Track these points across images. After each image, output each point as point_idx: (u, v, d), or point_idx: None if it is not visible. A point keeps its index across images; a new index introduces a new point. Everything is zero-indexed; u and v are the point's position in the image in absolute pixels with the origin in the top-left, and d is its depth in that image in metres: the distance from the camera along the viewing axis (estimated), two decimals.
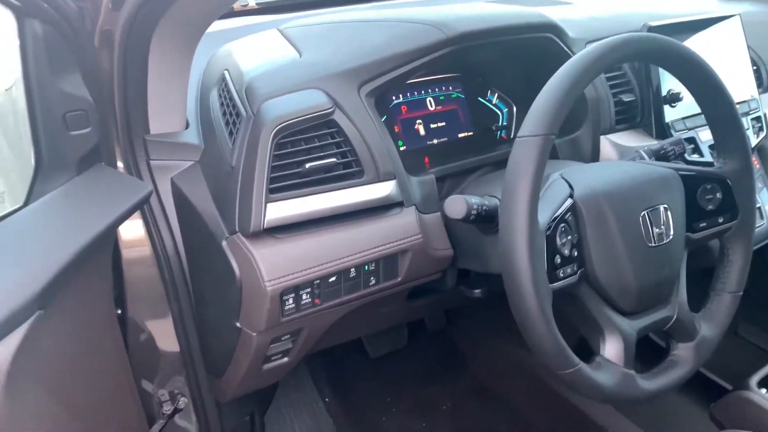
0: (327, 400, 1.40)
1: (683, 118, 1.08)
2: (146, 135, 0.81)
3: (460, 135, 1.02)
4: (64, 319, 0.62)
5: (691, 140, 1.05)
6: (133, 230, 0.83)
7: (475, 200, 0.73)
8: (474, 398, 1.49)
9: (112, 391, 0.77)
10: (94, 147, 0.70)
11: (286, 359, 0.89)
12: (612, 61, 0.71)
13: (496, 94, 1.06)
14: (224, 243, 0.76)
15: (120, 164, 0.79)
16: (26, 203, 0.68)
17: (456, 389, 1.51)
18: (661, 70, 1.06)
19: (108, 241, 0.72)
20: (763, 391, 1.01)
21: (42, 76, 0.63)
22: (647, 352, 0.84)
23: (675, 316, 0.78)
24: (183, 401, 0.98)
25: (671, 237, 0.76)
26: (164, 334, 0.92)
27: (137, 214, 0.83)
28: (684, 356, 0.80)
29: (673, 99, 1.06)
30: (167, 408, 0.97)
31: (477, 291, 0.93)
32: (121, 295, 0.85)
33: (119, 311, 0.86)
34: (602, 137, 1.02)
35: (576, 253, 0.71)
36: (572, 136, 1.01)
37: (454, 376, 1.54)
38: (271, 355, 0.86)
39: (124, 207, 0.68)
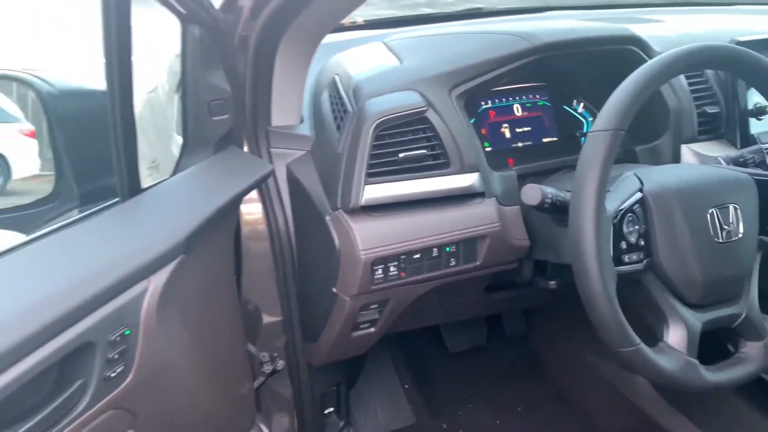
0: (407, 387, 1.49)
1: None
2: (269, 126, 0.95)
3: (545, 140, 1.10)
4: (198, 267, 0.76)
5: None
6: (252, 209, 0.98)
7: (550, 190, 0.81)
8: (549, 402, 1.53)
9: (227, 341, 0.91)
10: (229, 131, 0.85)
11: (372, 329, 1.00)
12: (683, 68, 0.77)
13: (582, 103, 1.13)
14: (327, 218, 0.88)
15: (245, 149, 0.94)
16: (173, 173, 0.83)
17: (531, 392, 1.55)
18: (747, 84, 1.09)
19: (234, 207, 0.86)
20: None
21: (195, 70, 0.79)
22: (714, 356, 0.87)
23: (744, 314, 0.82)
24: (281, 363, 1.11)
25: (740, 236, 0.80)
26: (269, 302, 1.05)
27: (256, 195, 0.97)
28: (752, 354, 0.83)
29: (760, 112, 1.09)
30: (267, 368, 1.11)
31: (552, 282, 1.00)
32: (238, 264, 1.00)
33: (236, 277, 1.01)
34: (684, 146, 1.06)
35: (643, 243, 0.77)
36: (653, 144, 1.06)
37: (530, 379, 1.58)
38: (360, 323, 0.97)
39: (250, 181, 0.82)
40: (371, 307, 0.94)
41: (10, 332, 0.52)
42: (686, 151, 1.06)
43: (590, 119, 1.14)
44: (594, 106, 1.14)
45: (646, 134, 1.07)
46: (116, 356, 0.63)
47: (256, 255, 1.01)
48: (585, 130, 1.13)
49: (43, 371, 0.56)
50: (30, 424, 0.56)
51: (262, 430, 1.06)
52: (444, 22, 1.41)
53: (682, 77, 1.07)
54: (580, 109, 1.13)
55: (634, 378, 1.41)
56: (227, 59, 0.82)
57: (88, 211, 0.72)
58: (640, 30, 1.11)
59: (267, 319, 1.08)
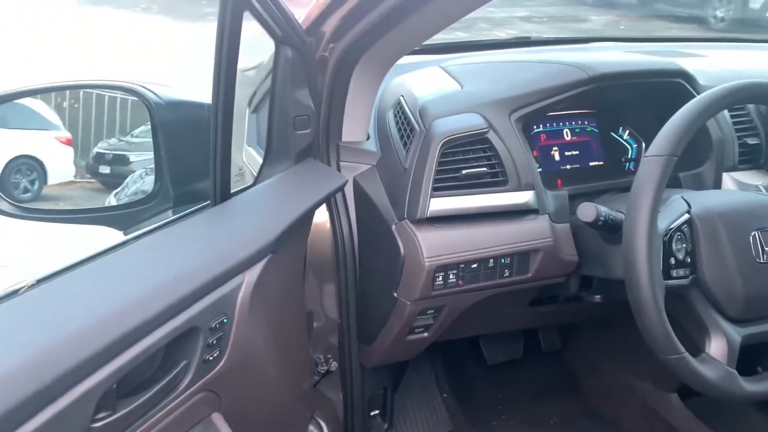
0: (445, 395, 1.55)
1: None
2: (339, 141, 1.04)
3: (591, 163, 1.17)
4: (280, 266, 0.84)
5: None
6: (318, 215, 1.06)
7: (603, 209, 0.87)
8: (582, 418, 1.57)
9: (296, 338, 0.98)
10: (309, 144, 0.94)
11: (425, 334, 1.06)
12: (733, 101, 0.84)
13: (628, 131, 1.19)
14: (394, 227, 0.96)
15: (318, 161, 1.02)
16: (255, 182, 0.92)
17: (565, 407, 1.59)
18: None
19: (312, 215, 0.94)
20: None
21: (284, 87, 0.87)
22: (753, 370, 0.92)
23: None
24: (334, 365, 1.18)
25: None
26: (326, 305, 1.13)
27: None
28: None
29: None
30: (321, 369, 1.17)
31: (597, 297, 1.06)
32: (303, 267, 1.07)
33: None
34: (725, 174, 1.11)
35: (689, 260, 0.83)
36: (696, 171, 1.12)
37: (564, 394, 1.63)
38: (415, 327, 1.04)
39: (328, 190, 0.90)
40: (428, 312, 1.01)
41: (135, 314, 0.60)
42: (727, 178, 1.11)
43: (635, 146, 1.20)
44: (639, 134, 1.20)
45: (689, 162, 1.13)
46: (214, 341, 0.71)
47: (319, 259, 1.09)
48: (630, 156, 1.19)
49: (156, 351, 0.63)
50: (144, 398, 0.64)
51: (320, 425, 1.12)
52: (495, 50, 1.50)
53: (726, 112, 1.13)
54: (626, 136, 1.20)
55: (667, 396, 1.46)
56: (311, 78, 0.91)
57: (184, 212, 0.80)
58: (685, 63, 1.18)
59: (323, 321, 1.15)
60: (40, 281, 0.60)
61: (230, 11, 0.70)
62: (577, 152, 1.16)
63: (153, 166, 0.86)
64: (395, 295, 0.99)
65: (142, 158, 0.94)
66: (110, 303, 0.60)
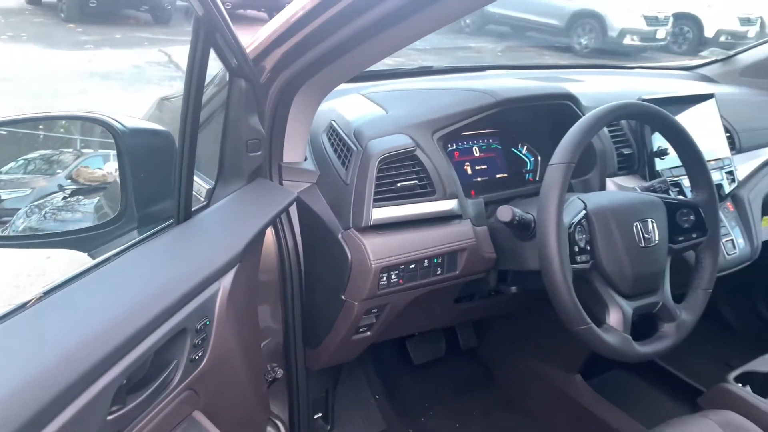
0: (377, 396, 1.66)
1: (670, 168, 1.40)
2: (281, 162, 1.13)
3: (498, 175, 1.35)
4: (245, 275, 0.92)
5: (677, 185, 1.37)
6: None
7: (518, 211, 1.04)
8: (500, 408, 1.75)
9: (256, 341, 1.05)
10: (259, 165, 1.03)
11: (368, 333, 1.18)
12: (613, 118, 1.04)
13: (526, 147, 1.39)
14: (340, 236, 1.07)
15: None
16: (209, 201, 0.99)
17: (484, 399, 1.76)
18: (651, 131, 1.40)
19: (265, 230, 1.03)
20: (739, 384, 1.28)
21: (238, 113, 0.96)
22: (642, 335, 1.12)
23: (661, 303, 1.08)
24: (280, 372, 1.26)
25: (656, 242, 1.06)
26: (272, 314, 1.21)
27: None
28: (668, 332, 1.09)
29: (662, 153, 1.39)
30: (269, 376, 1.25)
31: (513, 288, 1.23)
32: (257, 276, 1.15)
33: None
34: (608, 179, 1.33)
35: (589, 248, 1.01)
36: (585, 177, 1.33)
37: (483, 387, 1.80)
38: (360, 327, 1.15)
39: (281, 206, 1.00)
40: (372, 311, 1.13)
41: (137, 319, 0.67)
42: (609, 183, 1.33)
43: (532, 159, 1.40)
44: (536, 149, 1.40)
45: (579, 170, 1.34)
46: (199, 342, 0.78)
47: (266, 269, 1.17)
48: (528, 168, 1.39)
49: (150, 354, 0.70)
50: (146, 394, 0.70)
51: (277, 425, 1.19)
52: (401, 78, 1.66)
53: (605, 128, 1.36)
54: (525, 151, 1.39)
55: (572, 378, 1.66)
56: (260, 105, 1.00)
57: (152, 231, 0.87)
58: (567, 87, 1.40)
59: (268, 330, 1.23)
60: (47, 293, 0.65)
61: (200, 47, 0.79)
62: (485, 166, 1.34)
63: (43, 201, 0.90)
64: (343, 297, 1.09)
65: (13, 196, 0.96)
66: (113, 310, 0.67)
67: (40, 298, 0.65)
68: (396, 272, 1.08)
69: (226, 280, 0.83)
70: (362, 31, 0.88)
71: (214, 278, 0.81)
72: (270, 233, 1.15)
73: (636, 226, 1.05)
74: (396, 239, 1.07)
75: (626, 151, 1.37)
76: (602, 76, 1.87)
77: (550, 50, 9.29)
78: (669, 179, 1.37)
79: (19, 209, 0.95)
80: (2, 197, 0.96)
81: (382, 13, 0.84)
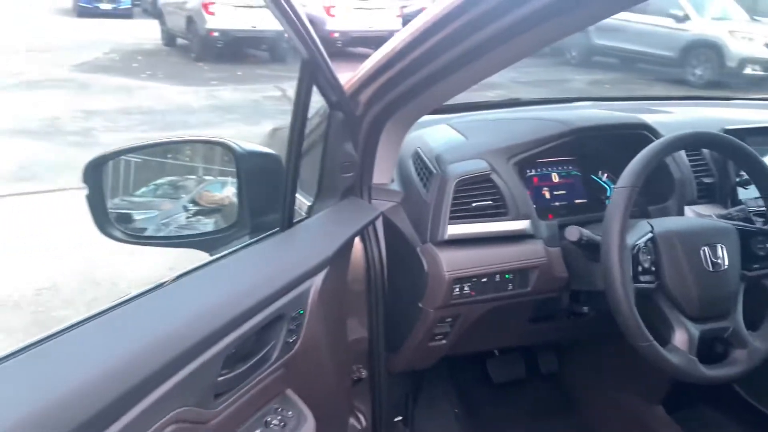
0: (456, 411, 1.75)
1: (755, 198, 1.40)
2: (371, 183, 1.28)
3: (576, 201, 1.42)
4: (334, 278, 1.07)
5: (763, 214, 1.37)
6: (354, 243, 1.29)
7: (586, 231, 1.12)
8: None
9: (341, 341, 1.19)
10: (351, 185, 1.18)
11: (444, 341, 1.28)
12: (680, 147, 1.10)
13: (606, 174, 1.45)
14: (418, 249, 1.19)
15: None
16: (308, 215, 1.16)
17: (563, 424, 1.79)
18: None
19: (353, 240, 1.17)
20: None
21: (336, 140, 1.12)
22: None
23: (732, 328, 1.10)
24: (364, 372, 1.39)
25: (726, 267, 1.09)
26: (359, 319, 1.34)
27: None
28: (740, 358, 1.10)
29: (746, 183, 1.40)
30: (354, 376, 1.38)
31: (585, 308, 1.29)
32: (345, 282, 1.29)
33: None
34: (686, 207, 1.37)
35: (654, 269, 1.07)
36: (662, 205, 1.37)
37: (562, 412, 1.83)
38: (436, 334, 1.26)
39: (366, 220, 1.14)
40: (446, 320, 1.24)
41: (246, 300, 0.83)
42: (688, 211, 1.36)
43: (612, 186, 1.46)
44: (615, 176, 1.45)
45: (657, 198, 1.38)
46: (294, 327, 0.93)
47: (354, 278, 1.31)
48: (608, 195, 1.45)
49: (255, 331, 0.86)
50: (249, 363, 0.86)
51: (359, 418, 1.32)
52: (490, 110, 1.77)
53: (683, 155, 1.39)
54: (605, 178, 1.45)
55: (654, 408, 1.66)
56: (354, 134, 1.16)
57: (261, 236, 1.04)
58: (652, 118, 1.45)
59: (354, 334, 1.37)
60: (178, 277, 0.83)
61: (305, 84, 0.96)
62: (564, 192, 1.42)
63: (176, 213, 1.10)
64: (420, 305, 1.21)
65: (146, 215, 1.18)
66: (228, 293, 0.83)
67: (174, 280, 0.82)
68: (468, 284, 1.18)
69: (318, 279, 0.98)
70: (442, 69, 1.02)
71: (308, 276, 0.96)
72: (359, 247, 1.29)
73: (704, 250, 1.09)
74: (469, 254, 1.18)
75: (707, 180, 1.39)
76: (694, 108, 1.88)
77: (662, 82, 8.97)
78: (753, 209, 1.37)
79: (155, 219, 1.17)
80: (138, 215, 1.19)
81: (460, 53, 0.97)
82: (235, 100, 8.26)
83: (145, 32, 14.72)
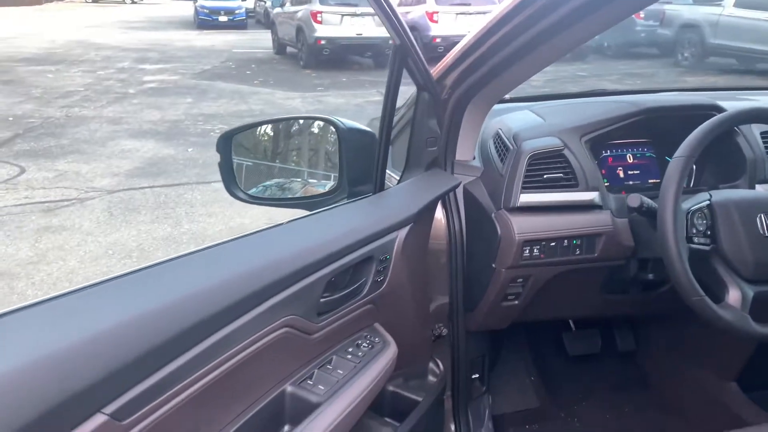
0: (533, 379, 1.87)
1: None
2: (454, 159, 1.45)
3: (650, 180, 1.51)
4: (416, 235, 1.25)
5: None
6: (437, 213, 1.47)
7: (646, 199, 1.23)
8: (653, 409, 1.83)
9: (422, 292, 1.37)
10: (435, 158, 1.36)
11: (516, 302, 1.43)
12: (739, 121, 1.18)
13: None
14: (493, 215, 1.35)
15: None
16: (399, 181, 1.35)
17: (637, 398, 1.86)
18: None
19: (437, 203, 1.35)
20: None
21: (422, 117, 1.31)
22: None
23: None
24: (444, 330, 1.55)
25: None
26: (440, 282, 1.51)
27: (441, 204, 1.46)
28: None
29: None
30: (435, 332, 1.55)
31: (650, 275, 1.38)
32: (427, 242, 1.47)
33: None
34: (758, 185, 1.42)
35: (709, 233, 1.16)
36: (734, 183, 1.43)
37: (636, 388, 1.89)
38: (508, 294, 1.40)
39: (448, 187, 1.31)
40: (518, 280, 1.38)
41: (345, 239, 1.03)
42: (759, 188, 1.42)
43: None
44: None
45: (728, 176, 1.44)
46: (381, 269, 1.12)
47: (435, 248, 1.49)
48: None
49: (350, 267, 1.06)
50: (345, 292, 1.06)
51: (438, 363, 1.48)
52: (577, 98, 1.88)
53: (758, 135, 1.45)
54: None
55: (728, 385, 1.70)
56: (438, 114, 1.34)
57: (358, 198, 1.24)
58: (732, 103, 1.51)
59: (435, 295, 1.54)
60: (290, 221, 1.05)
61: (396, 68, 1.15)
62: (638, 171, 1.52)
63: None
64: (493, 266, 1.37)
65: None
66: (332, 233, 1.04)
67: (288, 222, 1.04)
68: (537, 247, 1.32)
69: (403, 233, 1.16)
70: (514, 54, 1.18)
71: (394, 229, 1.14)
72: (441, 216, 1.47)
73: (760, 217, 1.16)
74: (539, 220, 1.32)
75: None
76: None
77: None
78: None
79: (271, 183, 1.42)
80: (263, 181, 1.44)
81: (528, 39, 1.13)
82: (339, 104, 8.68)
83: (258, 42, 15.72)
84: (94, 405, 0.63)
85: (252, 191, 1.34)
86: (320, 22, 11.25)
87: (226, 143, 1.29)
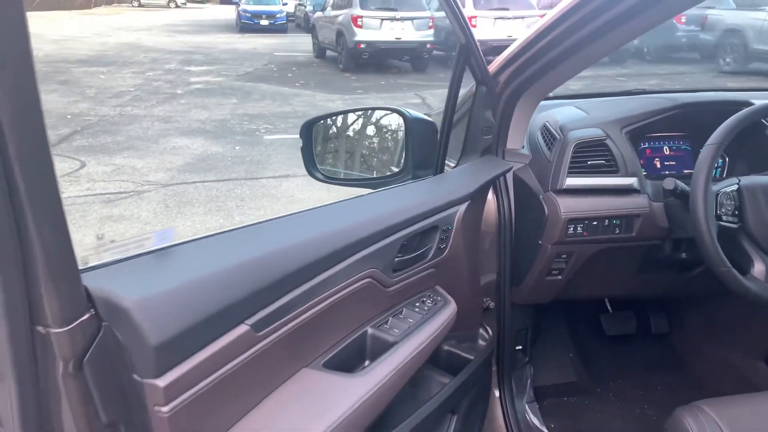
0: (571, 355, 2.02)
1: None
2: (504, 147, 1.62)
3: (685, 171, 1.65)
4: (472, 211, 1.42)
5: None
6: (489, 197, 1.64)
7: (680, 183, 1.37)
8: (686, 388, 1.95)
9: (475, 264, 1.53)
10: (489, 146, 1.53)
11: (559, 277, 1.58)
12: (761, 116, 1.32)
13: None
14: (541, 196, 1.51)
15: None
16: (457, 164, 1.52)
17: (671, 378, 1.99)
18: None
19: (489, 186, 1.51)
20: None
21: (479, 108, 1.48)
22: None
23: None
24: (491, 303, 1.72)
25: None
26: (489, 259, 1.68)
27: (491, 189, 1.63)
28: None
29: None
30: (484, 305, 1.71)
31: (683, 254, 1.53)
32: (480, 219, 1.63)
33: None
34: None
35: (737, 212, 1.30)
36: (764, 173, 1.57)
37: (670, 368, 2.02)
38: (552, 269, 1.56)
39: (500, 170, 1.48)
40: (562, 256, 1.54)
41: (414, 210, 1.21)
42: None
43: (720, 161, 1.67)
44: (724, 152, 1.66)
45: (759, 168, 1.58)
46: (443, 238, 1.30)
47: (486, 228, 1.66)
48: (716, 166, 1.66)
49: (418, 234, 1.23)
50: (414, 254, 1.23)
51: (487, 329, 1.65)
52: (619, 96, 2.03)
53: None
54: None
55: (756, 364, 1.82)
56: (493, 106, 1.51)
57: (420, 178, 1.42)
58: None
59: (486, 275, 1.70)
60: (370, 194, 1.23)
61: (460, 63, 1.33)
62: (674, 162, 1.66)
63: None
64: (540, 242, 1.53)
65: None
66: (402, 204, 1.22)
67: (368, 194, 1.23)
68: (581, 225, 1.48)
69: (462, 208, 1.34)
70: (562, 54, 1.34)
71: (454, 204, 1.32)
72: (492, 200, 1.63)
73: None
74: (583, 201, 1.48)
75: None
76: None
77: None
78: None
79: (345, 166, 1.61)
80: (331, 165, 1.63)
81: (576, 41, 1.29)
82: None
83: (299, 45, 16.09)
84: (241, 316, 0.82)
85: (328, 172, 1.53)
86: (360, 26, 11.50)
87: (308, 130, 1.49)
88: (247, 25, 19.95)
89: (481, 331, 1.61)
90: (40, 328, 0.66)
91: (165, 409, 0.73)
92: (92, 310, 0.69)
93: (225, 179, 5.46)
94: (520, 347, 1.81)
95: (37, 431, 0.70)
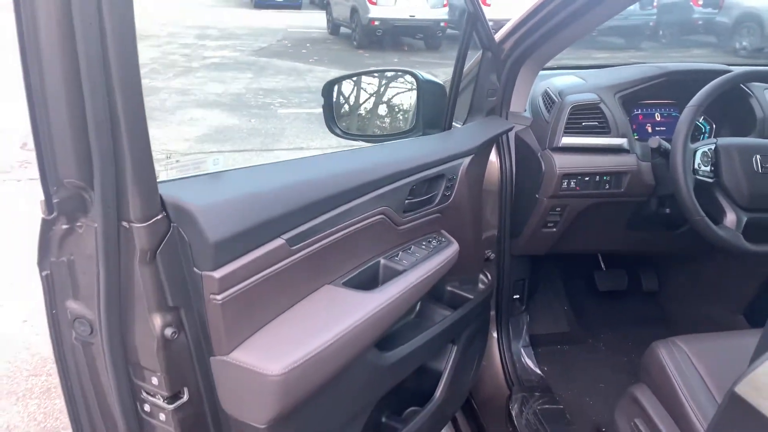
0: (565, 308, 2.18)
1: None
2: (508, 110, 1.77)
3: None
4: (475, 163, 1.57)
5: None
6: (491, 158, 1.79)
7: (663, 142, 1.52)
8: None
9: (478, 215, 1.70)
10: (493, 107, 1.68)
11: (554, 229, 1.74)
12: (744, 80, 1.46)
13: (703, 116, 1.81)
14: (539, 154, 1.67)
15: None
16: (464, 123, 1.68)
17: (657, 331, 2.14)
18: None
19: (493, 142, 1.67)
20: None
21: (485, 72, 1.63)
22: None
23: None
24: (492, 255, 1.88)
25: None
26: (491, 214, 1.84)
27: (495, 149, 1.78)
28: None
29: None
30: (486, 256, 1.88)
31: (667, 209, 1.68)
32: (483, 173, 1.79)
33: None
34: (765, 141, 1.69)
35: (713, 169, 1.45)
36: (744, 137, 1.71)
37: (658, 323, 2.19)
38: (548, 222, 1.72)
39: (503, 129, 1.63)
40: (556, 209, 1.69)
41: (424, 159, 1.37)
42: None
43: (707, 127, 1.81)
44: (711, 118, 1.81)
45: (739, 132, 1.72)
46: (449, 186, 1.46)
47: (487, 185, 1.81)
48: (703, 131, 1.81)
49: (426, 180, 1.39)
50: (423, 198, 1.40)
51: (487, 275, 1.82)
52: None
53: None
54: (701, 119, 1.81)
55: (735, 318, 1.98)
56: (498, 70, 1.66)
57: (430, 135, 1.58)
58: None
59: (487, 230, 1.86)
60: (388, 143, 1.39)
61: (468, 31, 1.48)
62: (664, 128, 1.81)
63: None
64: (537, 196, 1.69)
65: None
66: (414, 152, 1.38)
67: (383, 143, 1.39)
68: (574, 180, 1.63)
69: (466, 161, 1.49)
70: (562, 21, 1.48)
71: (460, 156, 1.47)
72: (495, 158, 1.79)
73: (756, 157, 1.45)
74: (576, 158, 1.63)
75: None
76: None
77: None
78: None
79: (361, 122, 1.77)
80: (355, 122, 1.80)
81: (574, 9, 1.43)
82: None
83: (313, 22, 16.13)
84: (279, 230, 1.00)
85: (347, 128, 1.69)
86: (374, 3, 11.55)
87: (329, 89, 1.64)
88: (262, 1, 19.97)
89: (482, 276, 1.78)
90: (124, 223, 0.83)
91: (219, 297, 0.91)
92: (164, 212, 0.87)
93: (241, 150, 5.63)
94: (518, 296, 1.98)
95: (118, 313, 0.88)
